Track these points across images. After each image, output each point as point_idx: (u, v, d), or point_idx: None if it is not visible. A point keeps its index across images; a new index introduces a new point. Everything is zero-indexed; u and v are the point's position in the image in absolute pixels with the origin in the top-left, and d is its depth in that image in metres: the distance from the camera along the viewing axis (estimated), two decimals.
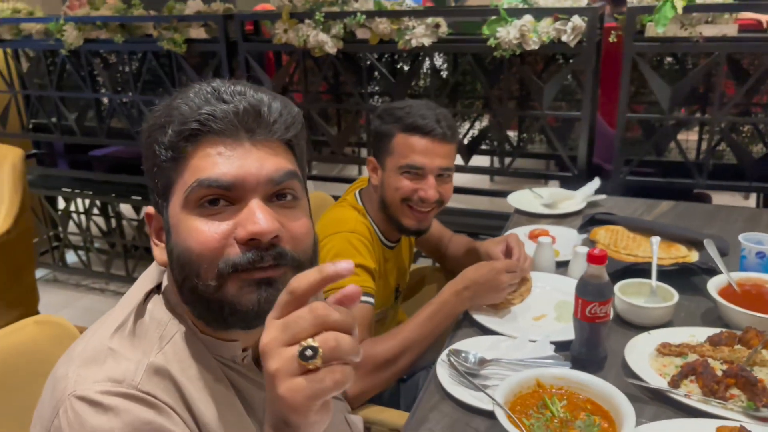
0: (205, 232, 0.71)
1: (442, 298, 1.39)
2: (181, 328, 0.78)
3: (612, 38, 2.19)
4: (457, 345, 1.27)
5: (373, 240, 1.51)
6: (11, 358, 1.07)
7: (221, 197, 0.72)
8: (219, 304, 0.73)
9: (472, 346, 1.26)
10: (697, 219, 1.91)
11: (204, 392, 0.76)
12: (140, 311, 0.78)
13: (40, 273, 3.70)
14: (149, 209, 0.81)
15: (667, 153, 2.54)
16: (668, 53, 2.42)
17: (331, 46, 2.49)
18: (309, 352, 0.54)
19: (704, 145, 2.55)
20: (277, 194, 0.75)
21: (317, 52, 2.52)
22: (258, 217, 0.70)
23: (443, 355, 1.23)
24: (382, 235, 1.58)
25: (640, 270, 1.50)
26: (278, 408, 0.56)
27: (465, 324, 1.41)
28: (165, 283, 0.81)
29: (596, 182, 2.09)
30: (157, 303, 0.80)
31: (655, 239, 1.49)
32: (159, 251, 0.79)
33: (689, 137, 2.65)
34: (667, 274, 1.47)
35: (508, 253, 1.54)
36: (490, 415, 1.04)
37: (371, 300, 1.40)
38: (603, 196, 2.08)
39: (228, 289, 0.72)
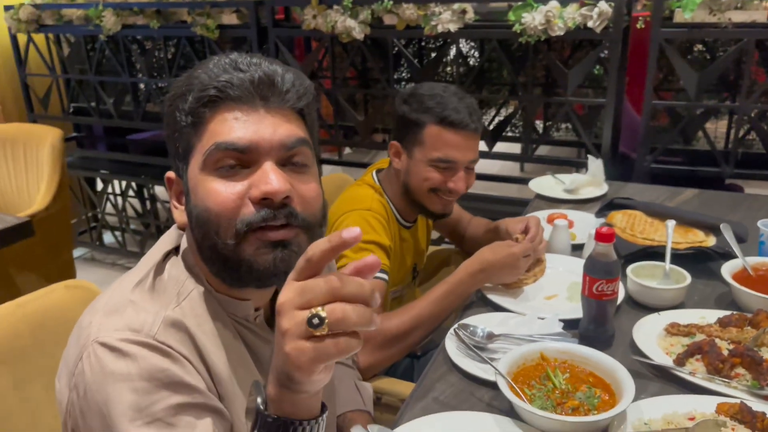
0: (221, 192, 0.76)
1: (457, 278, 1.41)
2: (198, 286, 0.83)
3: (639, 24, 2.17)
4: (467, 320, 1.30)
5: (389, 218, 1.54)
6: (43, 318, 1.14)
7: (237, 160, 0.77)
8: (237, 263, 0.77)
9: (482, 322, 1.29)
10: (721, 207, 1.89)
11: (217, 346, 0.81)
12: (159, 269, 0.84)
13: (78, 252, 3.85)
14: (170, 174, 0.86)
15: (695, 142, 2.51)
16: (696, 39, 2.39)
17: (358, 32, 2.52)
18: (316, 321, 0.57)
19: (733, 134, 2.51)
20: (289, 159, 0.80)
21: (345, 37, 2.56)
22: (270, 178, 0.75)
23: (452, 329, 1.26)
24: (398, 214, 1.60)
25: (656, 254, 1.51)
26: (284, 364, 0.60)
27: (476, 301, 1.44)
28: (183, 245, 0.86)
29: (593, 160, 2.08)
30: (175, 263, 0.85)
31: (671, 223, 1.49)
32: (179, 213, 0.84)
33: (718, 126, 2.61)
34: (683, 259, 1.47)
35: (526, 232, 1.55)
36: (494, 386, 1.07)
37: (385, 276, 1.43)
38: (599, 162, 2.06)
39: (245, 248, 0.76)
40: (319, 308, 0.57)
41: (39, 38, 3.46)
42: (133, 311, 0.77)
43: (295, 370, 0.59)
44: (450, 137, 1.46)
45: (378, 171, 1.65)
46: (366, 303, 0.59)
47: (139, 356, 0.72)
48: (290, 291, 0.59)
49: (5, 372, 1.05)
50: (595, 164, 2.09)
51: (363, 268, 0.59)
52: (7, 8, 3.41)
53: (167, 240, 0.89)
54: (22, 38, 3.49)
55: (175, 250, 0.87)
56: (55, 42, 3.46)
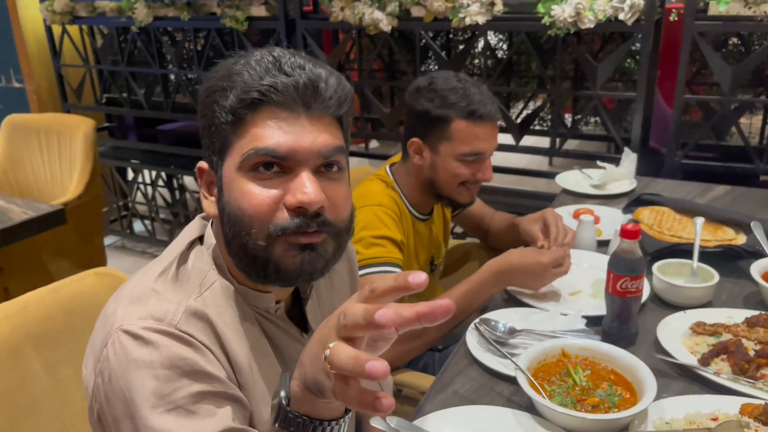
0: (257, 195, 0.77)
1: (480, 277, 1.40)
2: (220, 277, 0.84)
3: (673, 17, 2.13)
4: (488, 314, 1.30)
5: (401, 213, 1.54)
6: (74, 303, 1.17)
7: (275, 164, 0.78)
8: (265, 262, 0.78)
9: (503, 316, 1.29)
10: (753, 204, 1.85)
11: (238, 336, 0.82)
12: (183, 259, 0.85)
13: (109, 240, 3.93)
14: (202, 164, 0.86)
15: (728, 137, 2.46)
16: (731, 33, 2.33)
17: (385, 24, 2.52)
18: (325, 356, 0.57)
19: None
20: (324, 166, 0.81)
21: (372, 29, 2.56)
22: (308, 188, 0.76)
23: (473, 324, 1.27)
24: (413, 208, 1.60)
25: (683, 251, 1.48)
26: (317, 378, 0.61)
27: (498, 295, 1.44)
28: (208, 235, 0.88)
29: (628, 154, 2.05)
30: (198, 253, 0.86)
31: (699, 220, 1.46)
32: (208, 204, 0.85)
33: (752, 121, 2.54)
34: (712, 257, 1.45)
35: (546, 230, 1.54)
36: (514, 381, 1.07)
37: (399, 270, 1.43)
38: (634, 156, 2.02)
39: (275, 249, 0.77)
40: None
41: (73, 30, 3.53)
42: (156, 300, 0.79)
43: (326, 389, 0.60)
44: (478, 131, 1.46)
45: (392, 165, 1.65)
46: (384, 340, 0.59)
47: (161, 344, 0.74)
48: (345, 309, 0.59)
49: (38, 355, 1.08)
50: (630, 158, 2.07)
51: (436, 310, 0.54)
52: (42, 0, 3.48)
53: (191, 230, 0.90)
54: (56, 30, 3.56)
55: (199, 239, 0.89)
56: (88, 33, 3.53)
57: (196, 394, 0.73)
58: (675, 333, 1.22)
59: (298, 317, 0.94)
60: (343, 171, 0.83)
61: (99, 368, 0.76)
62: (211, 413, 0.74)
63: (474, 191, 1.56)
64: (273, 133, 0.77)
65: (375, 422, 0.93)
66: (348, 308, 0.58)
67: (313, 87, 0.78)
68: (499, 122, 1.51)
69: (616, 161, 2.12)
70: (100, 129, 3.70)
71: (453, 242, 2.07)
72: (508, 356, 1.13)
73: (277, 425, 0.68)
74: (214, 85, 0.80)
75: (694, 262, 1.39)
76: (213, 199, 0.84)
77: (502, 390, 1.11)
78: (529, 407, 1.04)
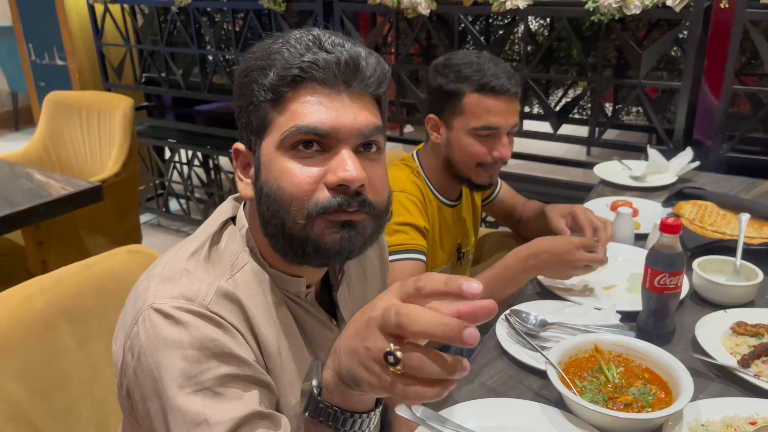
0: (297, 174, 0.76)
1: (505, 263, 1.36)
2: (251, 260, 0.84)
3: (723, 4, 2.04)
4: (519, 306, 1.28)
5: (425, 199, 1.51)
6: (107, 280, 1.19)
7: (315, 143, 0.77)
8: (303, 241, 0.78)
9: (535, 309, 1.26)
10: None
11: (268, 319, 0.82)
12: (215, 240, 0.85)
13: (145, 218, 4.00)
14: (238, 145, 0.85)
15: None
16: None
17: (424, 7, 2.48)
18: (392, 359, 0.55)
19: None
20: (364, 145, 0.80)
21: (410, 13, 2.52)
22: (349, 166, 0.75)
23: (503, 315, 1.24)
24: (438, 193, 1.57)
25: (725, 248, 1.43)
26: (356, 372, 0.60)
27: (530, 286, 1.41)
28: (240, 216, 0.87)
29: (688, 153, 1.99)
30: (231, 234, 0.86)
31: (744, 216, 1.41)
32: (243, 186, 0.84)
33: None
34: (756, 255, 1.39)
35: (575, 224, 1.50)
36: (543, 375, 1.05)
37: (422, 257, 1.41)
38: (696, 164, 1.97)
39: (314, 228, 0.77)
40: (398, 351, 0.55)
41: (115, 9, 3.57)
42: (188, 280, 0.78)
43: (366, 385, 0.59)
44: (490, 103, 1.42)
45: (418, 150, 1.62)
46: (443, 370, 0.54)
47: (192, 325, 0.74)
48: (384, 303, 0.58)
49: (71, 330, 1.10)
50: (654, 153, 2.01)
51: (479, 309, 0.53)
52: None
53: (224, 210, 0.90)
54: (99, 9, 3.61)
55: (231, 220, 0.88)
56: (129, 13, 3.57)
57: (224, 376, 0.73)
58: (714, 332, 1.18)
59: (328, 303, 0.94)
60: (382, 152, 0.83)
61: (129, 345, 0.76)
62: (238, 396, 0.73)
63: (493, 172, 1.51)
64: (314, 110, 0.76)
65: (400, 411, 0.92)
66: (391, 305, 0.56)
67: (354, 64, 0.77)
68: (518, 99, 1.46)
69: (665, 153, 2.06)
70: (138, 108, 3.75)
71: (485, 231, 2.04)
72: (539, 349, 1.10)
73: (307, 414, 0.68)
74: (252, 65, 0.79)
75: (738, 260, 1.34)
76: (249, 180, 0.83)
77: (531, 383, 1.09)
78: (559, 402, 1.02)
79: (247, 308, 0.80)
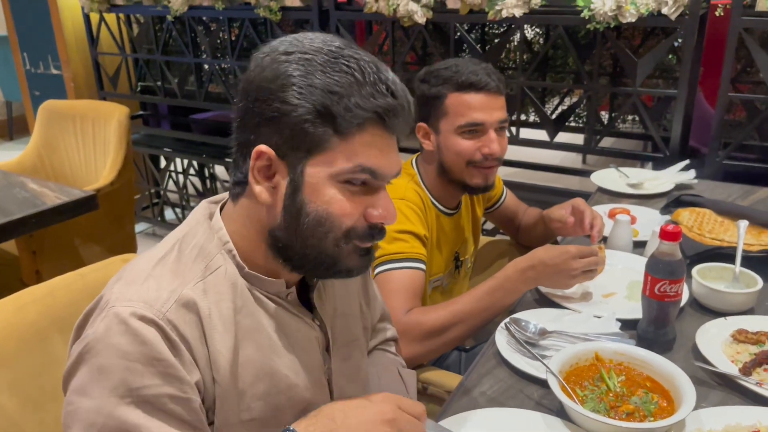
0: (348, 206, 0.81)
1: (504, 274, 1.35)
2: (227, 262, 0.84)
3: (719, 12, 2.05)
4: (519, 314, 1.26)
5: (425, 206, 1.50)
6: (99, 289, 1.13)
7: (366, 182, 0.82)
8: (330, 260, 0.84)
9: (534, 317, 1.25)
10: None
11: (229, 326, 0.82)
12: (187, 243, 0.84)
13: (140, 227, 3.98)
14: (265, 148, 0.79)
15: None
16: None
17: (420, 16, 2.48)
18: None
19: None
20: None
21: (406, 21, 2.52)
22: (390, 209, 0.85)
23: (503, 323, 1.23)
24: (437, 201, 1.56)
25: (724, 255, 1.43)
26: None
27: (529, 295, 1.40)
28: (216, 218, 0.86)
29: (685, 163, 1.99)
30: (207, 236, 0.85)
31: (743, 223, 1.40)
32: (262, 189, 0.81)
33: None
34: (755, 262, 1.39)
35: (575, 215, 1.52)
36: (544, 383, 1.04)
37: (422, 266, 1.40)
38: (692, 173, 1.97)
39: (345, 250, 0.84)
40: None
41: (110, 18, 3.57)
42: (151, 285, 0.79)
43: None
44: (471, 99, 1.43)
45: (417, 158, 1.61)
46: None
47: (144, 338, 0.74)
48: (390, 404, 0.82)
49: (63, 340, 1.08)
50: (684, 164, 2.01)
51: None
52: None
53: (199, 213, 0.89)
54: (94, 17, 3.60)
55: (207, 224, 0.87)
56: (125, 22, 3.56)
57: (165, 395, 0.74)
58: (715, 340, 1.17)
59: (307, 303, 0.94)
60: None
61: (84, 336, 0.77)
62: (179, 417, 0.75)
63: (486, 172, 1.49)
64: (376, 154, 0.80)
65: None
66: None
67: (407, 111, 0.82)
68: (502, 95, 1.46)
69: (654, 161, 2.06)
70: (134, 117, 3.73)
71: (486, 239, 2.03)
72: (539, 358, 1.09)
73: None
74: (311, 77, 0.77)
75: (737, 267, 1.34)
76: (268, 184, 0.82)
77: (532, 393, 1.08)
78: (560, 412, 1.01)
79: (206, 318, 0.80)
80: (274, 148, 0.80)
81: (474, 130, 1.44)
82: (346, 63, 0.78)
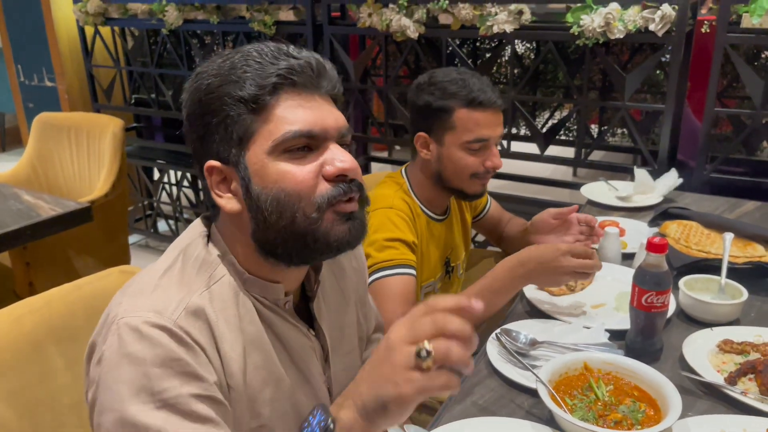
0: (297, 174, 0.80)
1: (494, 274, 1.35)
2: (228, 272, 0.85)
3: (704, 28, 2.09)
4: (510, 325, 1.28)
5: (414, 214, 1.53)
6: (97, 301, 1.18)
7: (306, 144, 0.81)
8: (314, 236, 0.82)
9: (525, 327, 1.27)
10: None
11: (236, 333, 0.83)
12: (189, 254, 0.86)
13: (134, 238, 3.98)
14: (212, 163, 0.83)
15: (759, 152, 2.41)
16: (764, 46, 2.29)
17: (412, 31, 2.52)
18: (423, 353, 0.67)
19: None
20: (340, 142, 0.86)
21: (399, 36, 2.56)
22: (344, 157, 0.82)
23: (494, 334, 1.25)
24: (426, 208, 1.59)
25: (711, 267, 1.45)
26: (384, 393, 0.70)
27: (519, 306, 1.42)
28: (213, 231, 0.89)
29: (673, 173, 2.02)
30: (208, 249, 0.87)
31: (729, 235, 1.43)
32: (226, 201, 0.84)
33: None
34: (740, 274, 1.42)
35: (560, 217, 1.61)
36: (534, 393, 1.06)
37: (412, 272, 1.43)
38: (680, 181, 2.01)
39: (324, 221, 0.82)
40: (426, 343, 0.67)
41: (105, 31, 3.59)
42: (159, 295, 0.80)
43: (396, 399, 0.70)
44: (480, 117, 1.47)
45: (407, 166, 1.65)
46: (466, 341, 0.68)
47: (158, 341, 0.75)
48: (401, 328, 0.71)
49: (60, 351, 1.09)
50: (641, 173, 2.04)
51: (462, 309, 0.68)
52: (75, 1, 3.54)
53: (196, 228, 0.91)
54: (89, 30, 3.62)
55: (207, 237, 0.89)
56: (120, 35, 3.59)
57: (186, 395, 0.74)
58: (701, 350, 1.19)
59: (306, 314, 0.95)
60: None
61: (97, 358, 0.77)
62: (201, 416, 0.75)
63: (485, 182, 1.56)
64: (300, 114, 0.80)
65: (392, 430, 0.92)
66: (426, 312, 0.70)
67: (321, 67, 0.83)
68: (501, 110, 1.52)
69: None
70: (128, 129, 3.75)
71: (480, 251, 2.06)
72: (530, 368, 1.11)
73: None
74: (215, 82, 0.81)
75: (723, 278, 1.36)
76: (229, 195, 0.84)
77: (522, 402, 1.09)
78: (549, 421, 1.03)
79: (215, 325, 0.81)
80: (218, 158, 0.83)
81: (480, 146, 1.49)
82: (241, 55, 0.81)
